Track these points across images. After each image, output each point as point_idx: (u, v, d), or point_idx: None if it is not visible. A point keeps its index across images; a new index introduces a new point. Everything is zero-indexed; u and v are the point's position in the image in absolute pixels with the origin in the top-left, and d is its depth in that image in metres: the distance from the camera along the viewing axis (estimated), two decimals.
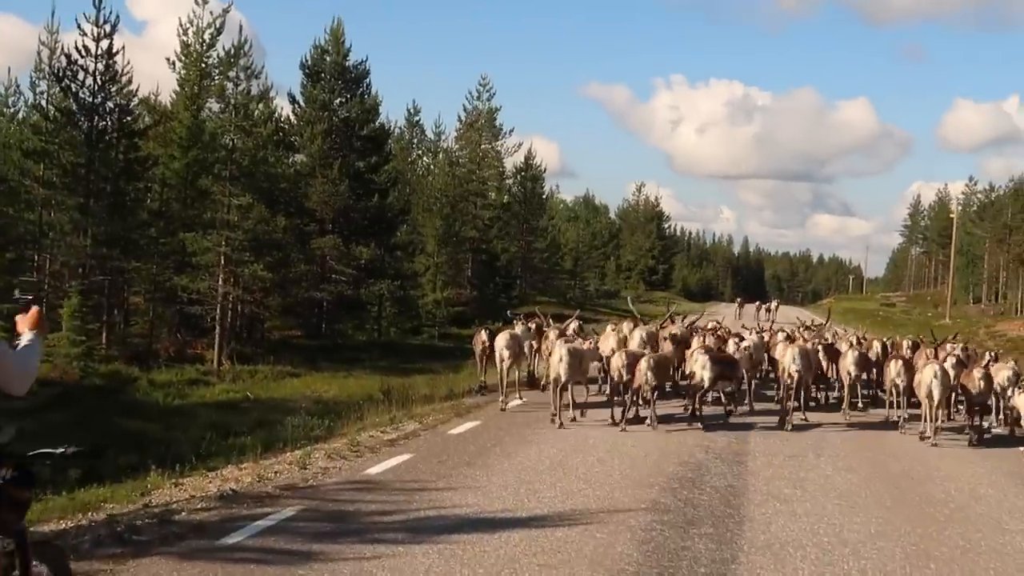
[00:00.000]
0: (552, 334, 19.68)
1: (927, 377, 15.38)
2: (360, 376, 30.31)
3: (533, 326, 21.25)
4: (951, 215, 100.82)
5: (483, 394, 20.00)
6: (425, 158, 69.20)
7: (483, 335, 20.99)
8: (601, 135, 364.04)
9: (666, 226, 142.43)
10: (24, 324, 4.18)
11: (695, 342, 18.97)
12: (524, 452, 12.95)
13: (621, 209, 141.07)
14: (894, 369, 17.33)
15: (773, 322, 39.84)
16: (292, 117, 44.02)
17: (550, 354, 17.14)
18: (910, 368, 17.47)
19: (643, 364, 15.57)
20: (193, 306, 34.93)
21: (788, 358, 17.10)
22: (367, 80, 45.43)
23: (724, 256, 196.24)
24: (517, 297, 63.66)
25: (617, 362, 16.34)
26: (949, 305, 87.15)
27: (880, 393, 19.93)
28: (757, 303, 68.30)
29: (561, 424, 15.49)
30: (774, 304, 66.74)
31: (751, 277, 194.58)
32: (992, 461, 14.18)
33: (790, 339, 21.08)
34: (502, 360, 18.32)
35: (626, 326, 21.21)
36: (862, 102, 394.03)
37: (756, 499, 10.52)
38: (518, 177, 71.25)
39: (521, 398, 19.03)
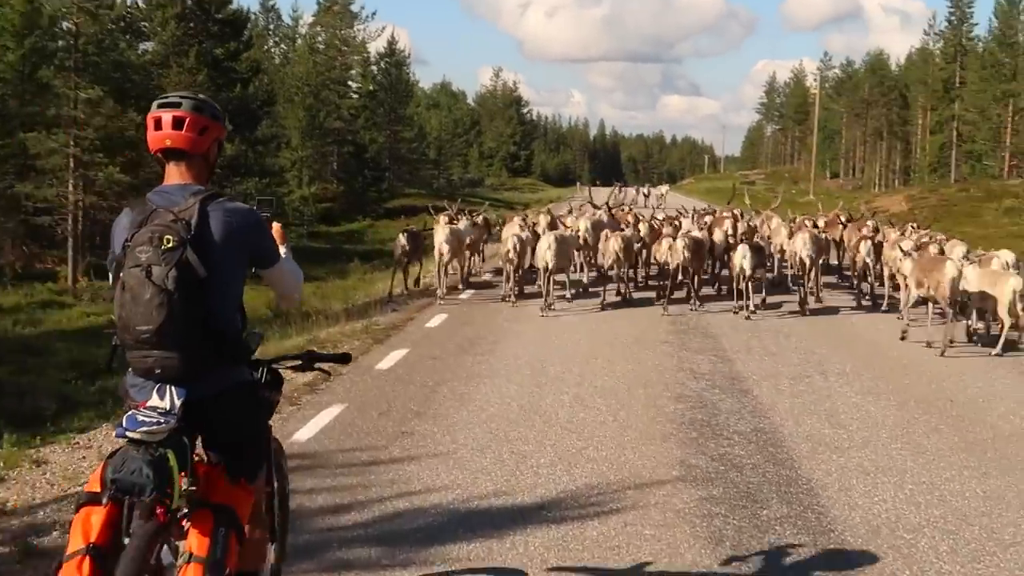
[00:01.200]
0: (543, 220, 19.69)
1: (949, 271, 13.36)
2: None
3: (479, 220, 21.17)
4: (812, 91, 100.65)
5: (395, 309, 17.35)
6: (283, 45, 65.01)
7: (402, 239, 19.09)
8: (451, 22, 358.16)
9: (525, 111, 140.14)
10: (277, 239, 4.32)
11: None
12: (479, 392, 10.33)
13: (479, 96, 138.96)
14: (864, 250, 16.62)
15: (662, 209, 37.15)
16: (140, 1, 39.65)
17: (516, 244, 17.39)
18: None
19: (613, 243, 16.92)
20: (40, 216, 31.01)
21: (799, 244, 17.13)
22: None
23: (581, 140, 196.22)
24: (387, 190, 60.70)
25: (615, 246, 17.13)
26: (813, 182, 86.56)
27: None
28: (636, 187, 66.55)
29: (551, 306, 16.37)
30: (664, 189, 64.96)
31: (608, 160, 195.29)
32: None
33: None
34: (441, 255, 18.13)
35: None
36: None
37: (802, 449, 8.28)
38: (382, 64, 67.57)
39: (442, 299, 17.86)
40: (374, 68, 66.13)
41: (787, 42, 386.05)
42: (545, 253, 16.29)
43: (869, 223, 19.53)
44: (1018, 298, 12.90)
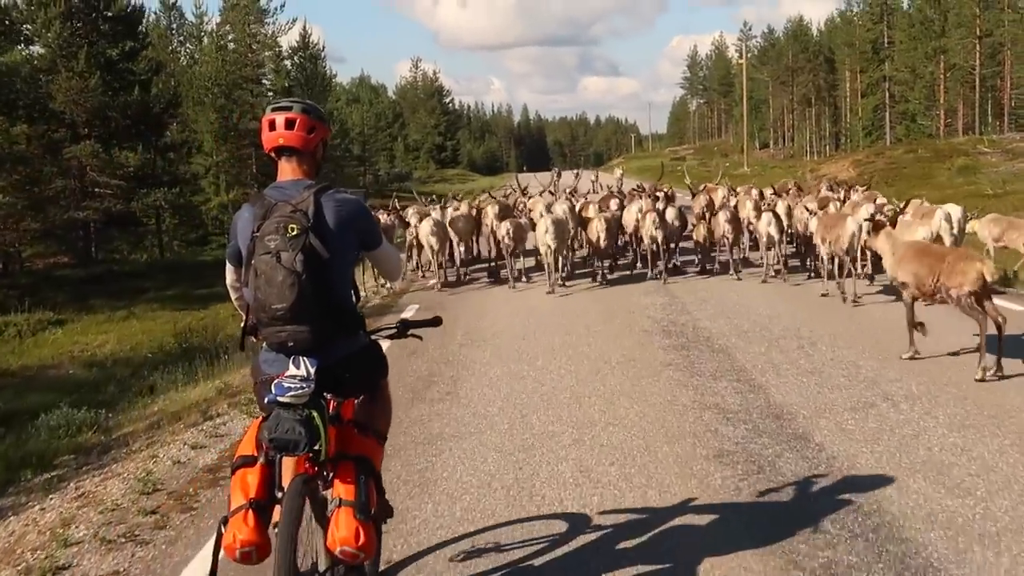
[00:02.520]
0: (541, 205, 18.84)
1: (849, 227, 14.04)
2: (145, 314, 23.91)
3: (460, 210, 20.75)
4: (737, 62, 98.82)
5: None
6: (189, 44, 61.13)
7: None
8: (364, 17, 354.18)
9: (447, 101, 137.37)
10: None
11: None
12: (464, 432, 7.64)
13: (400, 88, 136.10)
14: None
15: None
16: (19, 0, 35.64)
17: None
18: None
19: (649, 219, 17.36)
20: None
21: (764, 223, 16.95)
22: None
23: (505, 127, 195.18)
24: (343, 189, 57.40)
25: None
26: (746, 153, 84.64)
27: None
28: (575, 172, 64.20)
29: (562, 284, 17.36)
30: (619, 172, 63.44)
31: (533, 145, 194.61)
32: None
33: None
34: (431, 248, 18.62)
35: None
36: None
37: (938, 547, 5.46)
38: (295, 58, 63.91)
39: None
40: (287, 63, 62.41)
41: (699, 16, 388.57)
42: (545, 236, 16.77)
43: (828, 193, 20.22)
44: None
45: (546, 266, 17.27)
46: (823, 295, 14.80)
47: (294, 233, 4.05)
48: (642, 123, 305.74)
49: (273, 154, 4.40)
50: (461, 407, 9.06)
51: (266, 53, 56.83)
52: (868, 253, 15.49)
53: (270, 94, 55.65)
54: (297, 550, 3.99)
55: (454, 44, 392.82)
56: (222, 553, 4.01)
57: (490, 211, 19.79)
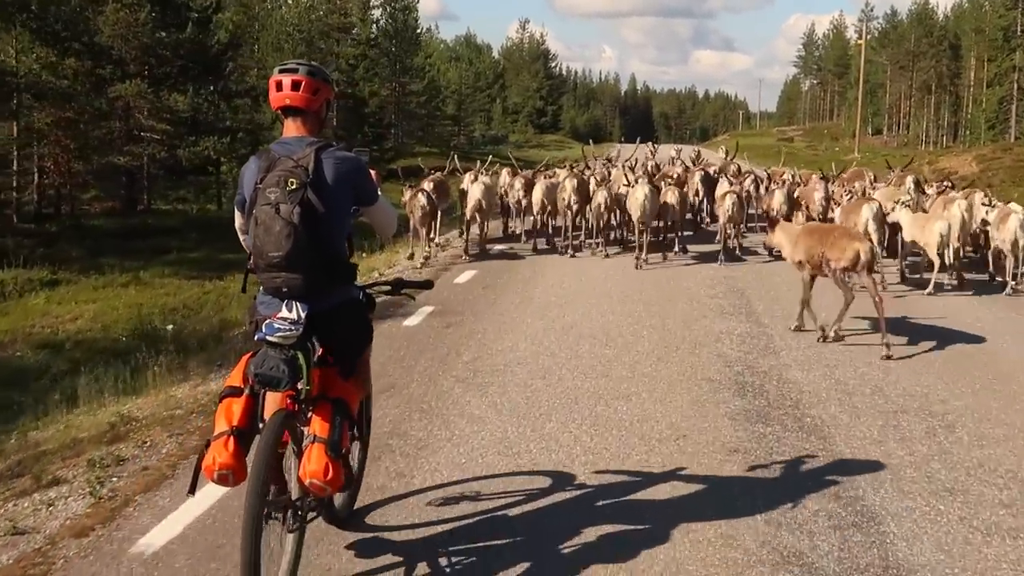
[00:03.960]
0: (626, 174, 18.16)
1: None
2: (153, 279, 20.96)
3: (504, 173, 20.14)
4: (858, 41, 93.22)
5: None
6: None
7: (421, 199, 16.41)
8: None
9: (552, 65, 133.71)
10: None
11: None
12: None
13: (505, 49, 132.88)
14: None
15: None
16: None
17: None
18: None
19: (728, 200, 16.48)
20: None
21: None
22: None
23: (611, 95, 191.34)
24: (392, 149, 54.43)
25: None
26: (858, 139, 79.49)
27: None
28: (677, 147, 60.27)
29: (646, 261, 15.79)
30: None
31: (639, 116, 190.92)
32: None
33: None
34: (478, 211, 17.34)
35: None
36: None
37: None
38: (386, 8, 60.92)
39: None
40: (376, 12, 59.46)
41: None
42: (642, 203, 15.75)
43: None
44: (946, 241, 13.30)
45: (636, 236, 16.27)
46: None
47: (293, 187, 4.30)
48: (751, 100, 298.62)
49: (280, 112, 4.67)
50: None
51: (352, 2, 53.82)
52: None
53: (355, 44, 52.88)
54: (270, 478, 4.31)
55: (569, 10, 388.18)
56: (202, 473, 4.31)
57: (568, 184, 17.53)
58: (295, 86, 4.49)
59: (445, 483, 6.18)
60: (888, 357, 9.46)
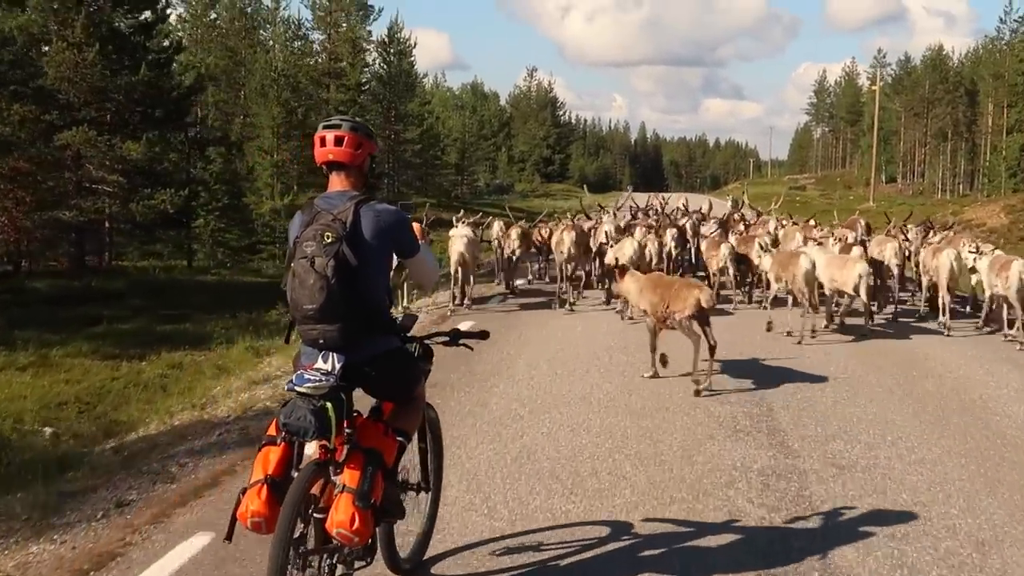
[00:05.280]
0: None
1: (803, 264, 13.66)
2: (63, 359, 17.17)
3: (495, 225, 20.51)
4: (872, 88, 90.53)
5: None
6: (263, 31, 55.71)
7: (460, 245, 16.55)
8: (491, 26, 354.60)
9: (560, 113, 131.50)
10: (418, 235, 5.29)
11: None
12: None
13: (512, 96, 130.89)
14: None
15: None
16: None
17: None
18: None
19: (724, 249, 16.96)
20: None
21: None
22: None
23: (621, 143, 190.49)
24: (385, 200, 51.44)
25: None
26: (873, 187, 76.34)
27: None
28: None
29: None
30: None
31: (649, 164, 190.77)
32: None
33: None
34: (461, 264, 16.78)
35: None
36: None
37: None
38: (381, 52, 58.05)
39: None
40: (371, 57, 56.52)
41: (829, 44, 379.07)
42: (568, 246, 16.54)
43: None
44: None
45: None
46: (768, 329, 14.31)
47: (329, 240, 4.39)
48: (762, 148, 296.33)
49: (324, 168, 4.75)
50: None
51: (342, 46, 51.14)
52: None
53: (344, 89, 50.09)
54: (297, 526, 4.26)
55: (579, 59, 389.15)
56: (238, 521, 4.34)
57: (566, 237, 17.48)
58: (338, 141, 4.62)
59: None
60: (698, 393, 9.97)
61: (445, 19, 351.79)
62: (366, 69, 54.66)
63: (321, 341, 4.42)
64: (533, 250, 20.40)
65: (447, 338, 5.10)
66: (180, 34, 42.31)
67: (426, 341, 5.01)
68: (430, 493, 5.56)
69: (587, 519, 6.42)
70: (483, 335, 5.25)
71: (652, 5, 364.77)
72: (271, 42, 52.96)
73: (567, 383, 10.79)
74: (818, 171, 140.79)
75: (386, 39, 58.30)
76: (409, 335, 4.87)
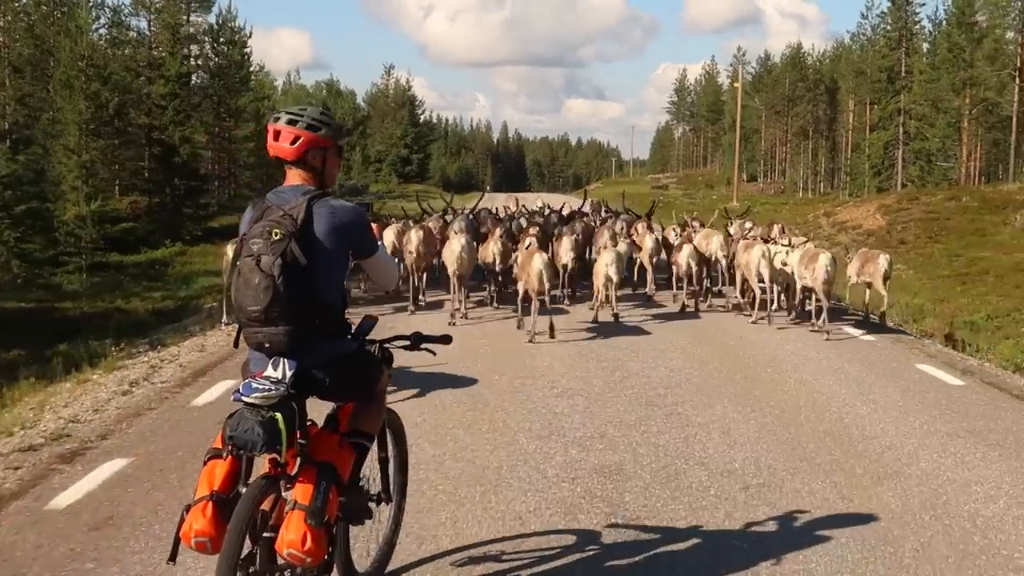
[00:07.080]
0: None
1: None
2: None
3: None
4: (735, 84, 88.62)
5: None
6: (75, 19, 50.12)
7: (415, 238, 16.47)
8: (353, 26, 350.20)
9: (419, 112, 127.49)
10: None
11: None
12: None
13: (369, 95, 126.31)
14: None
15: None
16: None
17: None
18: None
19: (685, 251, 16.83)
20: None
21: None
22: None
23: (484, 143, 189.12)
24: (208, 205, 46.50)
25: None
26: (736, 186, 74.07)
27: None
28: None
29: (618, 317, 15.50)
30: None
31: (511, 164, 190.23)
32: None
33: None
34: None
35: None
36: None
37: None
38: (209, 41, 52.85)
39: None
40: (195, 48, 51.41)
41: (688, 45, 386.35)
42: (607, 268, 15.21)
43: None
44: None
45: (603, 298, 15.65)
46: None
47: (277, 238, 4.06)
48: (624, 148, 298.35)
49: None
50: None
51: (161, 33, 46.16)
52: None
53: (164, 81, 45.04)
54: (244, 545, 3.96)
55: (443, 59, 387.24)
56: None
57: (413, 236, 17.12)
58: (275, 135, 4.37)
59: None
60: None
61: (307, 19, 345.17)
62: (191, 60, 49.55)
63: (267, 345, 4.09)
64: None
65: (408, 342, 4.82)
66: None
67: (386, 345, 4.77)
68: (392, 504, 5.19)
69: None
70: (446, 339, 4.84)
71: (514, 6, 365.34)
72: (79, 28, 47.40)
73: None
74: (680, 170, 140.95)
75: (216, 27, 53.11)
76: (368, 338, 4.57)
